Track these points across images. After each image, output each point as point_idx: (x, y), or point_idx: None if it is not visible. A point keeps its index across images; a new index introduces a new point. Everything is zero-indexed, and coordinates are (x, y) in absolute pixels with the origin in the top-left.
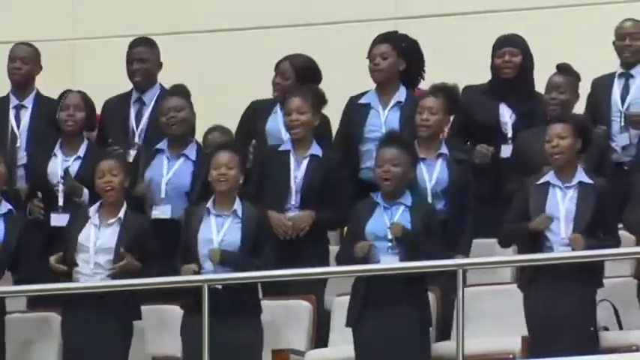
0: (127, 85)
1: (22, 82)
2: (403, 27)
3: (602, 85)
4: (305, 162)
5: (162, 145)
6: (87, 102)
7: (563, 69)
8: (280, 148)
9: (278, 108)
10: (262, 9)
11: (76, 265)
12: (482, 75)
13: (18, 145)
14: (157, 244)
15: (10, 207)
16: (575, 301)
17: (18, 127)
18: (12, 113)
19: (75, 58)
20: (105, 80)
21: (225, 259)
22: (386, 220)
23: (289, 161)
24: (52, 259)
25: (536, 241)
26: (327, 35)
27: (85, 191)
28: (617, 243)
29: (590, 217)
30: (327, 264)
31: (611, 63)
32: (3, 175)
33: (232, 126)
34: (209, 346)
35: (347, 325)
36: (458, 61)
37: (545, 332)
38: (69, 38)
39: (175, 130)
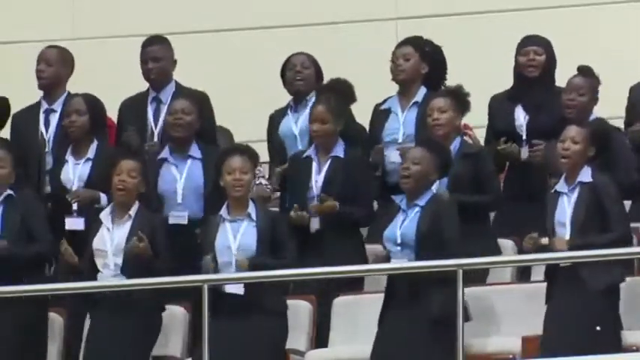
0: (127, 85)
1: (49, 86)
2: (403, 27)
3: (636, 90)
4: (326, 165)
5: (165, 153)
6: (92, 105)
7: (585, 71)
8: (305, 155)
9: (289, 110)
10: (262, 9)
11: (99, 271)
12: (482, 75)
13: (47, 150)
14: (167, 244)
15: (10, 192)
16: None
17: (47, 131)
18: (42, 118)
19: (75, 58)
20: (105, 80)
21: (253, 265)
22: (398, 223)
23: (311, 167)
24: (63, 247)
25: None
26: (327, 35)
27: (102, 195)
28: (618, 236)
29: (584, 216)
30: (361, 261)
31: (614, 64)
32: (4, 177)
33: (232, 126)
34: (216, 347)
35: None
36: (457, 62)
37: (561, 332)
38: (69, 38)
39: (177, 133)
